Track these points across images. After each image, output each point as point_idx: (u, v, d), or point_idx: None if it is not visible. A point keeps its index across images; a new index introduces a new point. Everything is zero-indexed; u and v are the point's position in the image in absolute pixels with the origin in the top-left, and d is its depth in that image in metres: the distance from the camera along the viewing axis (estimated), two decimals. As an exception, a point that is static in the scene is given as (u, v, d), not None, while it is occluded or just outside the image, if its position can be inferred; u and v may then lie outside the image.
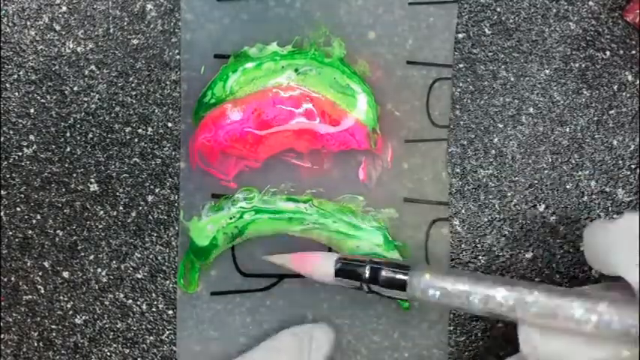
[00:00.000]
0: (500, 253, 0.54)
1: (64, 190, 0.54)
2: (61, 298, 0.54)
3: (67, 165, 0.54)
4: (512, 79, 0.54)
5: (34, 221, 0.54)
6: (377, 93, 0.52)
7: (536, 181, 0.54)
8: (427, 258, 0.53)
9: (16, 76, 0.54)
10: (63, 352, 0.54)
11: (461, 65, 0.54)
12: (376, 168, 0.53)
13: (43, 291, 0.54)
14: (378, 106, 0.52)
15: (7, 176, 0.54)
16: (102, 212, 0.54)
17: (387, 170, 0.53)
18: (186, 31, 0.53)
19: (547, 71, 0.54)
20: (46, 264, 0.54)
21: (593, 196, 0.54)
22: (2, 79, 0.54)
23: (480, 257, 0.54)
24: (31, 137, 0.54)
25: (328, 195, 0.53)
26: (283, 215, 0.51)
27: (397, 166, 0.53)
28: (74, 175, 0.54)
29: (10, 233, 0.54)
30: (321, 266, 0.47)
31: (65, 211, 0.54)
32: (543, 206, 0.54)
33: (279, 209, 0.51)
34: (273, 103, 0.50)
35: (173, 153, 0.54)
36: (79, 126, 0.54)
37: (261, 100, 0.51)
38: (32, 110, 0.54)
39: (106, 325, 0.54)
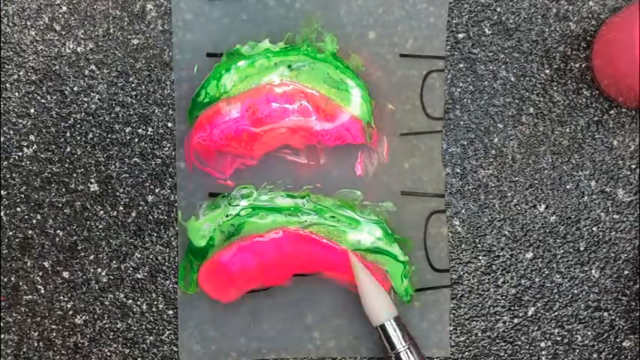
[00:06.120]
0: (501, 253, 0.54)
1: (64, 190, 0.54)
2: (61, 298, 0.54)
3: (67, 165, 0.54)
4: (512, 79, 0.54)
5: (34, 221, 0.54)
6: (371, 87, 0.52)
7: (536, 181, 0.54)
8: (428, 257, 0.53)
9: (16, 76, 0.54)
10: (63, 352, 0.54)
11: (461, 65, 0.54)
12: (372, 162, 0.53)
13: (43, 291, 0.54)
14: (372, 100, 0.52)
15: (7, 176, 0.54)
16: (102, 212, 0.54)
17: (383, 164, 0.53)
18: (177, 30, 0.53)
19: (547, 71, 0.54)
20: (46, 264, 0.54)
21: (593, 196, 0.54)
22: (2, 79, 0.54)
23: (480, 257, 0.54)
24: (31, 137, 0.54)
25: (326, 190, 0.53)
26: (281, 212, 0.51)
27: (393, 160, 0.53)
28: (74, 175, 0.54)
29: (10, 233, 0.54)
30: (376, 310, 0.50)
31: (65, 211, 0.54)
32: (543, 206, 0.54)
33: (276, 206, 0.51)
34: (267, 100, 0.50)
35: (173, 153, 0.54)
36: (79, 126, 0.54)
37: (255, 98, 0.50)
38: (32, 110, 0.54)
39: (106, 325, 0.54)
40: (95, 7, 0.54)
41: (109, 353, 0.54)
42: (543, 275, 0.54)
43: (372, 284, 0.50)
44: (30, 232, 0.54)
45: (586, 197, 0.54)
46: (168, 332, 0.54)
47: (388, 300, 0.50)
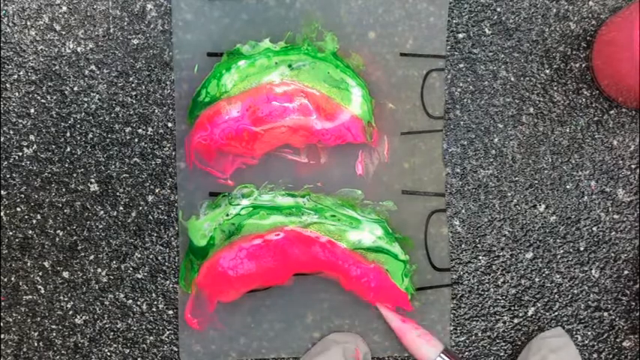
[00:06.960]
0: (501, 253, 0.54)
1: (64, 190, 0.54)
2: (61, 298, 0.54)
3: (67, 165, 0.54)
4: (512, 79, 0.54)
5: (34, 221, 0.54)
6: (371, 86, 0.52)
7: (536, 181, 0.54)
8: (428, 256, 0.53)
9: (16, 76, 0.54)
10: (63, 352, 0.54)
11: (461, 65, 0.54)
12: (373, 161, 0.53)
13: (43, 291, 0.54)
14: (372, 100, 0.52)
15: (7, 176, 0.54)
16: (102, 212, 0.54)
17: (383, 163, 0.53)
18: (177, 30, 0.53)
19: (547, 71, 0.54)
20: (46, 264, 0.54)
21: (593, 196, 0.54)
22: (2, 79, 0.54)
23: (480, 257, 0.54)
24: (31, 137, 0.54)
25: (326, 189, 0.53)
26: (281, 211, 0.51)
27: (394, 159, 0.53)
28: (74, 175, 0.54)
29: (10, 233, 0.54)
30: (425, 351, 0.51)
31: (65, 211, 0.54)
32: (543, 206, 0.54)
33: (277, 205, 0.51)
34: (267, 100, 0.50)
35: (173, 153, 0.54)
36: (79, 126, 0.54)
37: (256, 97, 0.50)
38: (32, 110, 0.54)
39: (106, 325, 0.54)
40: (95, 7, 0.54)
41: (109, 353, 0.54)
42: (543, 275, 0.54)
43: (408, 329, 0.51)
44: (30, 232, 0.54)
45: (586, 197, 0.54)
46: (168, 332, 0.54)
47: (429, 337, 0.51)
